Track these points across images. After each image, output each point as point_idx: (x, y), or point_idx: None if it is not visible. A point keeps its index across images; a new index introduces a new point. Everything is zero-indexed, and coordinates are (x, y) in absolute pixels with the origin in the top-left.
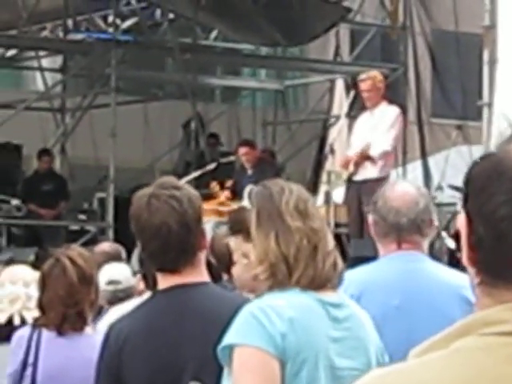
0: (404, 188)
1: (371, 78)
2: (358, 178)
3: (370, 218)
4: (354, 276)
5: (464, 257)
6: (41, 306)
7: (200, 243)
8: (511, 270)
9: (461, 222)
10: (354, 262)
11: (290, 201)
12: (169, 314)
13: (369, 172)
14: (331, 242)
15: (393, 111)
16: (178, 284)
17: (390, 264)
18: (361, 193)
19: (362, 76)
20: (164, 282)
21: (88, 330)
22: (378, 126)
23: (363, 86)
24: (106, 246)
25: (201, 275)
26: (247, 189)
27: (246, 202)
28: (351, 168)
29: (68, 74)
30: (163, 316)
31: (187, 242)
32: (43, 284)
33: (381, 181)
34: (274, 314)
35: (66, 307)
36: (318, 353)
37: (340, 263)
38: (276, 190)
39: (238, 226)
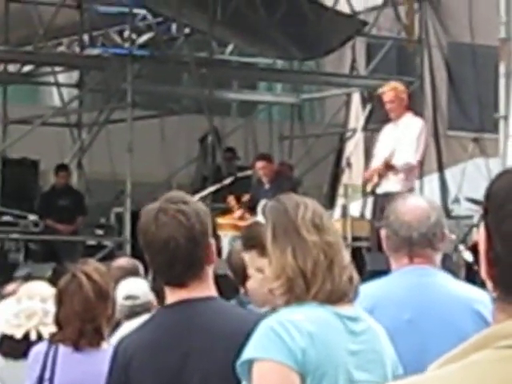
0: (415, 202)
1: (393, 88)
2: (380, 190)
3: (383, 233)
4: (367, 290)
5: (483, 271)
6: (57, 321)
7: (208, 257)
8: None
9: (481, 237)
10: (371, 275)
11: (305, 215)
12: (175, 329)
13: (391, 185)
14: (347, 256)
15: (418, 123)
16: (185, 299)
17: (402, 278)
18: (383, 206)
19: (384, 88)
20: (171, 296)
21: (105, 345)
22: (403, 138)
23: (385, 97)
24: (123, 261)
25: (208, 289)
26: (261, 204)
27: (260, 217)
28: (375, 179)
29: (84, 89)
30: (170, 331)
31: (194, 257)
32: (60, 300)
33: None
34: (293, 328)
35: (83, 322)
36: (338, 366)
37: (356, 277)
38: (291, 205)
39: (251, 241)
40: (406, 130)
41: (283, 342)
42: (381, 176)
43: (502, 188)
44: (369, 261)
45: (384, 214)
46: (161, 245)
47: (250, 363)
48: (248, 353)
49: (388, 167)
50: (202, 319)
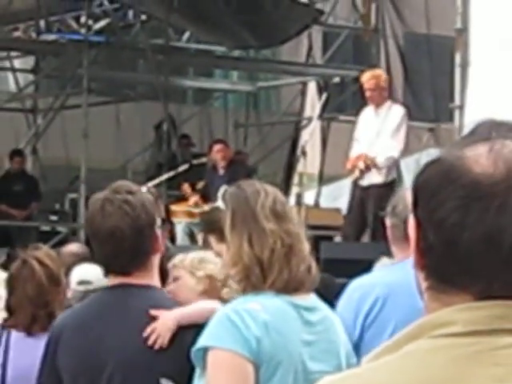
0: None
1: (375, 76)
2: (363, 183)
3: (388, 222)
4: (379, 278)
5: (413, 262)
6: (9, 307)
7: (153, 247)
8: (459, 276)
9: (411, 227)
10: (325, 264)
11: (265, 203)
12: (98, 310)
13: (374, 178)
14: (307, 246)
15: (398, 112)
16: (122, 283)
17: (411, 267)
18: (365, 198)
19: (366, 75)
20: (113, 280)
21: None
22: (384, 128)
23: (367, 85)
24: (74, 247)
25: (150, 279)
26: (221, 190)
27: (220, 203)
28: (357, 173)
29: (40, 74)
30: (92, 312)
31: (139, 247)
32: (12, 285)
33: (386, 186)
34: (248, 317)
35: (36, 308)
36: (292, 356)
37: (314, 267)
38: (251, 192)
39: (210, 226)
40: (387, 118)
41: (238, 330)
42: (362, 172)
43: (431, 178)
44: (323, 249)
45: (390, 203)
46: (106, 235)
47: (204, 351)
48: (203, 340)
49: (370, 167)
50: (128, 304)
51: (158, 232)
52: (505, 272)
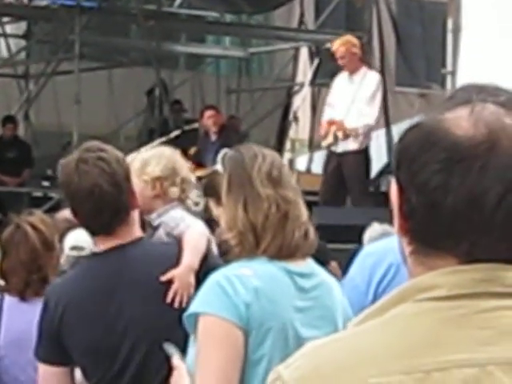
0: None
1: (343, 43)
2: (338, 149)
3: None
4: (390, 245)
5: (396, 227)
6: (2, 272)
7: (132, 202)
8: (443, 239)
9: (393, 192)
10: (317, 229)
11: (262, 167)
12: (109, 278)
13: (350, 144)
14: (304, 211)
15: (373, 79)
16: (114, 246)
17: None
18: (341, 164)
19: (335, 43)
20: (102, 244)
21: None
22: (359, 95)
23: (337, 53)
24: (67, 213)
25: (135, 232)
26: (221, 153)
27: (219, 167)
28: (330, 139)
29: (32, 40)
30: (104, 281)
31: (120, 202)
32: (5, 250)
33: (361, 152)
34: (239, 283)
35: (29, 272)
36: (283, 323)
37: (312, 233)
38: (249, 156)
39: (209, 190)
40: (362, 85)
41: (228, 296)
42: (337, 139)
43: (413, 141)
44: (315, 215)
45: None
46: (86, 194)
47: (195, 316)
48: (194, 306)
49: (347, 135)
50: (132, 266)
51: (133, 187)
52: (488, 233)
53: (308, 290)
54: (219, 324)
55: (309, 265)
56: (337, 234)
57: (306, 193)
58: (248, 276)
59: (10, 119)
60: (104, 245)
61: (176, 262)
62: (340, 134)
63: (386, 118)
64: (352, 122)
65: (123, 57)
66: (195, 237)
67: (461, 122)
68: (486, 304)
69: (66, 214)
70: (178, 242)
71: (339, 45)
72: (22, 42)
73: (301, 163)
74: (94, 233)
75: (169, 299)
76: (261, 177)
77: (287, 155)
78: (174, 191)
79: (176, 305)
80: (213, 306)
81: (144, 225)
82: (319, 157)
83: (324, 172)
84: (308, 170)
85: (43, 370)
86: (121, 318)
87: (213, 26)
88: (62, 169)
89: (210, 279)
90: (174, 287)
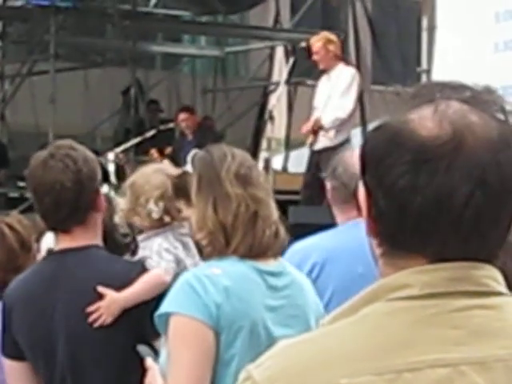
0: None
1: (320, 39)
2: (316, 147)
3: (329, 184)
4: (317, 243)
5: (366, 228)
6: None
7: (95, 203)
8: (412, 241)
9: (361, 195)
10: (293, 228)
11: (231, 167)
12: (49, 280)
13: (324, 141)
14: (274, 210)
15: (348, 73)
16: (66, 248)
17: (352, 231)
18: (319, 161)
19: (312, 39)
20: (57, 244)
21: None
22: (334, 90)
23: (313, 49)
24: None
25: (93, 238)
26: (191, 153)
27: (189, 167)
28: (311, 137)
29: (7, 40)
30: (44, 282)
31: (80, 201)
32: None
33: (338, 147)
34: (209, 283)
35: (6, 273)
36: (254, 322)
37: (282, 232)
38: (218, 156)
39: (180, 191)
40: (338, 80)
41: (198, 296)
42: (315, 137)
43: (378, 144)
44: (291, 214)
45: (330, 166)
46: (47, 187)
47: (166, 316)
48: (164, 307)
49: (317, 129)
50: (73, 270)
51: (100, 190)
52: (457, 233)
53: (280, 289)
54: (189, 324)
55: (280, 264)
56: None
57: (282, 192)
58: (218, 275)
59: None
60: (60, 244)
61: (123, 283)
62: (309, 129)
63: (362, 117)
64: (324, 117)
65: (99, 57)
66: (150, 281)
67: (425, 122)
68: (457, 303)
69: None
70: (141, 268)
71: (315, 40)
72: None
73: (277, 162)
74: (52, 228)
75: (89, 309)
76: (230, 176)
77: (263, 154)
78: (137, 219)
79: (90, 319)
80: (183, 306)
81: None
82: (295, 156)
83: (305, 170)
84: (284, 169)
85: (7, 364)
86: (54, 323)
87: (188, 26)
88: (31, 162)
89: (180, 279)
90: (98, 303)
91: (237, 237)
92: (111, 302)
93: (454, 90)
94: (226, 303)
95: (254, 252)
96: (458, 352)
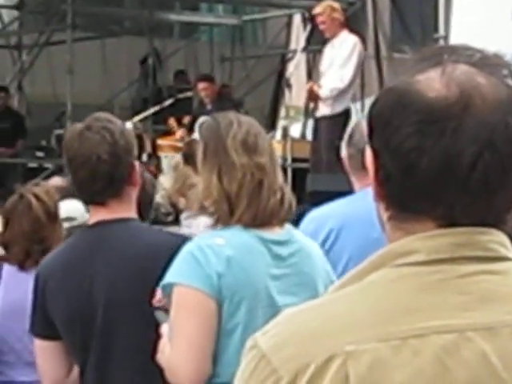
0: None
1: (324, 9)
2: (317, 114)
3: (345, 152)
4: (333, 209)
5: (374, 194)
6: (4, 241)
7: (130, 177)
8: (420, 202)
9: (368, 158)
10: (311, 196)
11: (237, 135)
12: (86, 251)
13: (323, 109)
14: (280, 178)
15: (350, 42)
16: (102, 220)
17: (368, 197)
18: (318, 129)
19: (316, 10)
20: (92, 217)
21: None
22: (336, 58)
23: (318, 18)
24: (57, 181)
25: (128, 211)
26: (199, 121)
27: (196, 135)
28: (312, 105)
29: (24, 10)
30: (81, 253)
31: (116, 174)
32: (7, 220)
33: (336, 117)
34: (211, 252)
35: (30, 243)
36: (257, 291)
37: (289, 199)
38: (224, 123)
39: (188, 158)
40: (340, 48)
41: (200, 266)
42: (314, 101)
43: (386, 105)
44: (309, 181)
45: (346, 133)
46: (83, 159)
47: (170, 287)
48: (168, 277)
49: (313, 97)
50: (113, 242)
51: (137, 164)
52: (464, 194)
53: (285, 258)
54: (191, 294)
55: (287, 232)
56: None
57: (301, 160)
58: (220, 245)
59: (3, 90)
60: (95, 217)
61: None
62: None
63: (381, 84)
64: (325, 87)
65: (116, 26)
66: None
67: (433, 83)
68: (464, 269)
69: (55, 182)
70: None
71: (320, 10)
72: (15, 13)
73: (295, 130)
74: (86, 201)
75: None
76: (236, 145)
77: (282, 122)
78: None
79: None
80: (185, 276)
81: (140, 209)
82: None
83: (312, 139)
84: (303, 137)
85: (38, 344)
86: (94, 292)
87: None
88: (68, 133)
89: (184, 249)
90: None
91: (241, 206)
92: None
93: (461, 53)
94: (227, 273)
95: (259, 221)
96: (464, 318)
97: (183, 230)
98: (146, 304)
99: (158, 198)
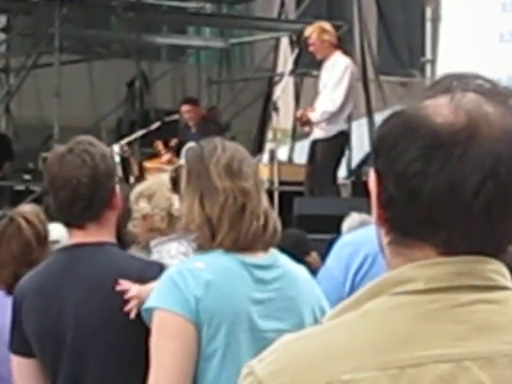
0: None
1: (314, 30)
2: (311, 137)
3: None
4: (368, 234)
5: (375, 218)
6: None
7: (110, 201)
8: (421, 228)
9: (371, 181)
10: (298, 219)
11: (221, 159)
12: (59, 274)
13: (317, 133)
14: (265, 203)
15: (341, 63)
16: (78, 243)
17: None
18: (313, 152)
19: (306, 32)
20: (70, 239)
21: None
22: (328, 80)
23: (309, 40)
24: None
25: (106, 235)
26: (185, 147)
27: (182, 161)
28: (306, 128)
29: (12, 33)
30: (54, 276)
31: (95, 197)
32: None
33: (331, 140)
34: (190, 276)
35: (19, 266)
36: (237, 315)
37: (273, 224)
38: (208, 149)
39: (174, 185)
40: (332, 70)
41: (179, 291)
42: (309, 128)
43: (392, 129)
44: (296, 205)
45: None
46: (63, 182)
47: (151, 311)
48: (149, 301)
49: (304, 123)
50: (84, 267)
51: (117, 188)
52: (466, 221)
53: (268, 282)
54: (171, 318)
55: (271, 256)
56: (317, 224)
57: (288, 183)
58: (200, 269)
59: None
60: (73, 239)
61: (139, 281)
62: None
63: (368, 107)
64: (317, 111)
65: (103, 49)
66: None
67: (441, 109)
68: (462, 298)
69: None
70: (159, 269)
71: (310, 32)
72: (2, 36)
73: (282, 153)
74: (66, 224)
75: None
76: (219, 169)
77: (269, 145)
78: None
79: (126, 309)
80: (164, 301)
81: (119, 234)
82: (301, 147)
83: (307, 162)
84: (290, 160)
85: (15, 360)
86: (64, 315)
87: (193, 17)
88: (50, 156)
89: (164, 274)
90: (128, 294)
91: (222, 230)
92: (141, 290)
93: (470, 81)
94: (206, 297)
95: (240, 245)
96: (461, 347)
97: (154, 256)
98: (112, 333)
99: (130, 226)
